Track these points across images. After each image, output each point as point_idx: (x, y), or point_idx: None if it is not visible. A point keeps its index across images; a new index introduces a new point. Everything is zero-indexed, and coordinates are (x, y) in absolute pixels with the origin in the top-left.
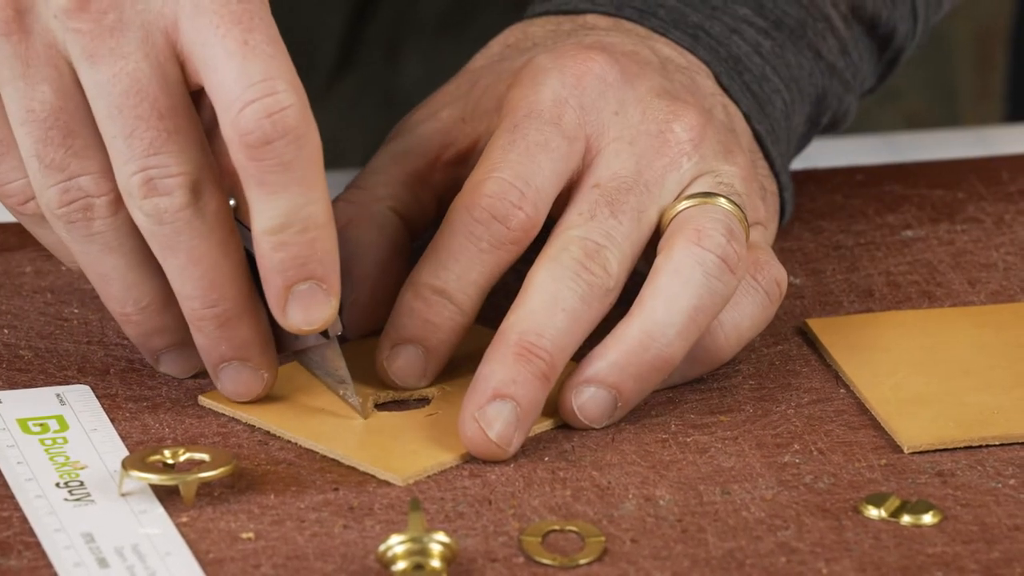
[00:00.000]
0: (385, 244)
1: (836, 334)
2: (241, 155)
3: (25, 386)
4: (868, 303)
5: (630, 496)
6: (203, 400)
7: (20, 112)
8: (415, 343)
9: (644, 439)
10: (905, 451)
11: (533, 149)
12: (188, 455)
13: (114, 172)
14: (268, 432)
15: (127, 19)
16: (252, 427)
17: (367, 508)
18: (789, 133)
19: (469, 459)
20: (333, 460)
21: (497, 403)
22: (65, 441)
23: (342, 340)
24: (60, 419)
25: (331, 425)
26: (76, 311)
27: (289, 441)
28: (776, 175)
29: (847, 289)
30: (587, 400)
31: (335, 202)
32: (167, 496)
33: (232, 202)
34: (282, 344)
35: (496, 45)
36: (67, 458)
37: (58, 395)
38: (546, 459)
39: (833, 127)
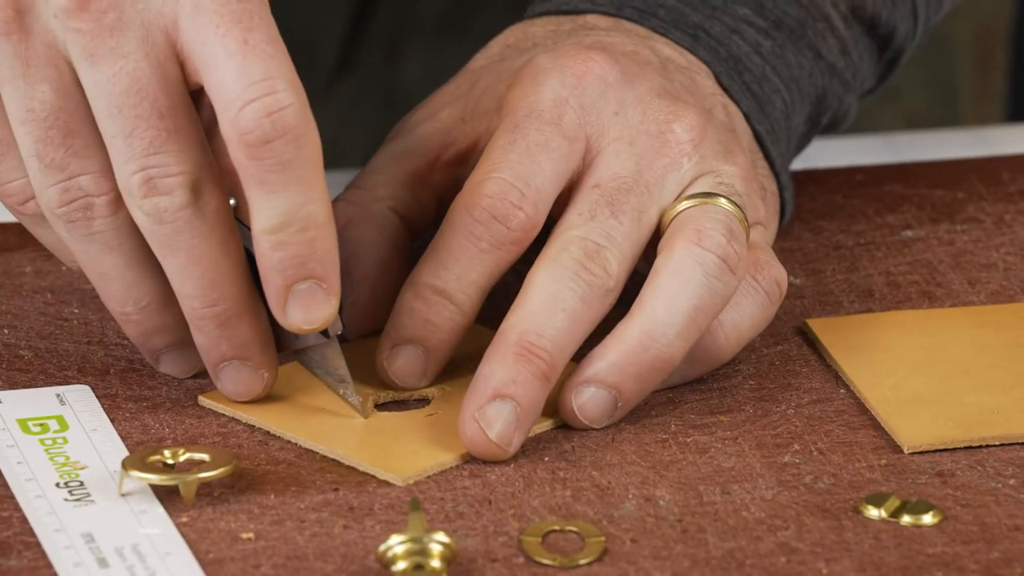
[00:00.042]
0: (385, 244)
1: (836, 334)
2: (241, 154)
3: (25, 386)
4: (868, 303)
5: (630, 496)
6: (203, 400)
7: (20, 112)
8: (415, 343)
9: (644, 439)
10: (905, 451)
11: (533, 149)
12: (188, 455)
13: (114, 171)
14: (268, 432)
15: (127, 18)
16: (252, 427)
17: (367, 508)
18: (789, 133)
19: (469, 459)
20: (333, 460)
21: (497, 403)
22: (65, 441)
23: (342, 340)
24: (60, 419)
25: (331, 425)
26: (76, 311)
27: (289, 441)
28: (776, 175)
29: (847, 289)
30: (587, 400)
31: (335, 202)
32: (167, 496)
33: (232, 201)
34: (282, 343)
35: (496, 45)
36: (67, 458)
37: (58, 395)
38: (546, 459)
39: (833, 127)
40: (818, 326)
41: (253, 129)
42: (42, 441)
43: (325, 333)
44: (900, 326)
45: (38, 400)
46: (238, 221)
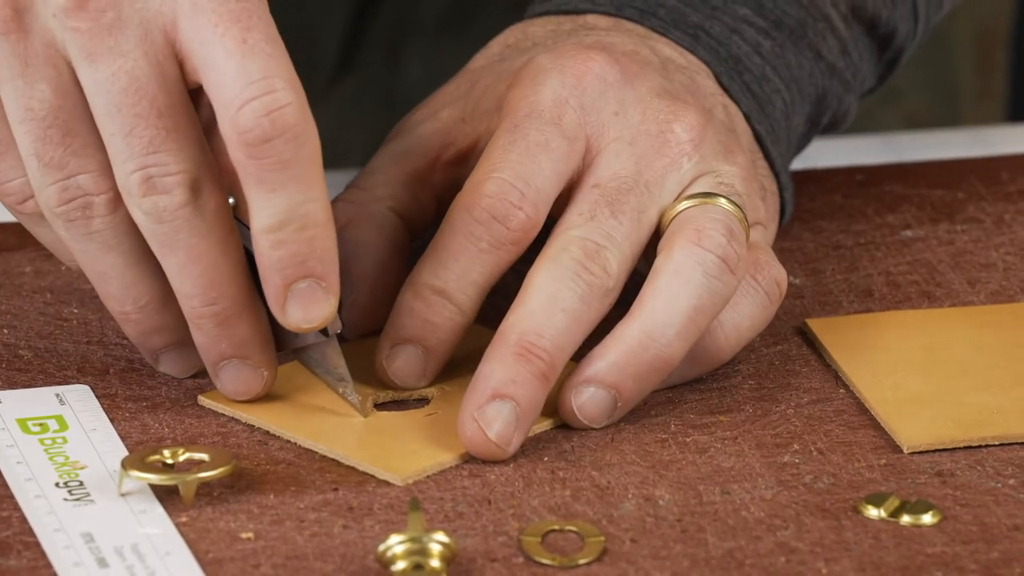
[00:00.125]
0: (385, 244)
1: (836, 334)
2: (240, 153)
3: (25, 386)
4: (868, 303)
5: (630, 496)
6: (202, 400)
7: (19, 111)
8: (414, 343)
9: (644, 439)
10: (905, 451)
11: (533, 149)
12: (187, 455)
13: (113, 170)
14: (267, 432)
15: (125, 17)
16: (252, 427)
17: (367, 508)
18: (789, 133)
19: (468, 459)
20: (333, 460)
21: (496, 403)
22: (65, 441)
23: (341, 340)
24: (60, 419)
25: (331, 425)
26: (76, 311)
27: (288, 441)
28: (776, 175)
29: (847, 289)
30: (587, 400)
31: (335, 202)
32: (167, 496)
33: (231, 200)
34: (281, 342)
35: (496, 45)
36: (67, 458)
37: (58, 395)
38: (546, 459)
39: (833, 127)
40: (818, 326)
41: (252, 128)
42: (41, 441)
43: (324, 332)
44: (900, 326)
45: (38, 400)
46: (237, 220)
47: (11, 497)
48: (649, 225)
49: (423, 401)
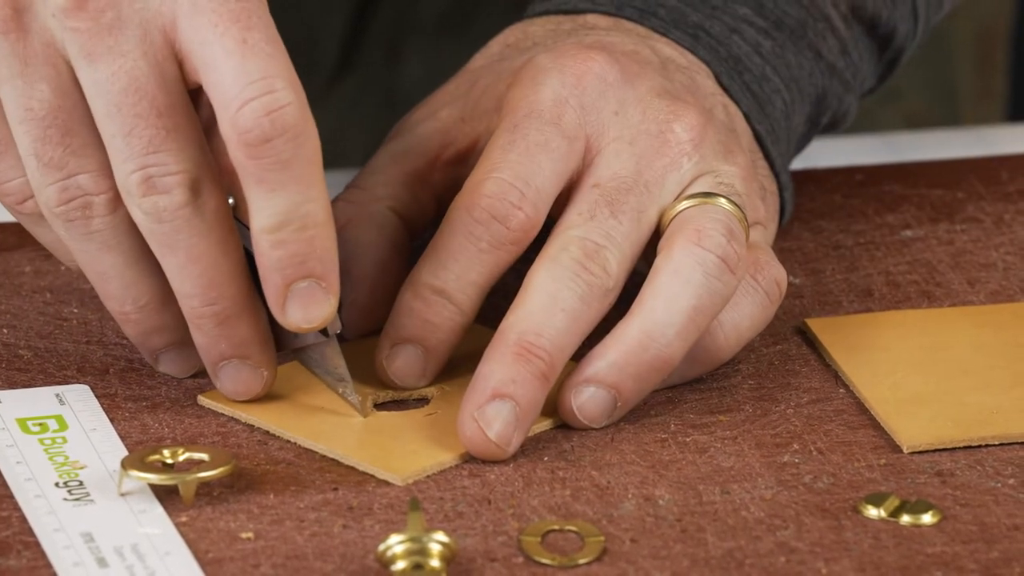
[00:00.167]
0: (384, 244)
1: (835, 334)
2: (240, 153)
3: (24, 386)
4: (867, 303)
5: (629, 496)
6: (202, 400)
7: (18, 111)
8: (414, 343)
9: (643, 439)
10: (904, 451)
11: (533, 149)
12: (187, 455)
13: (113, 170)
14: (267, 432)
15: (125, 17)
16: (251, 427)
17: (366, 508)
18: (789, 133)
19: (468, 459)
20: (332, 460)
21: (496, 403)
22: (64, 441)
23: (341, 340)
24: (59, 419)
25: (330, 424)
26: (75, 311)
27: (288, 441)
28: (776, 175)
29: (846, 289)
30: (586, 400)
31: (334, 202)
32: (166, 496)
33: (230, 201)
34: (281, 342)
35: (496, 45)
36: (66, 458)
37: (57, 395)
38: (545, 459)
39: (833, 127)
40: (817, 326)
41: (252, 128)
42: (41, 441)
43: (324, 332)
44: (899, 326)
45: (37, 400)
46: (236, 220)
47: (11, 497)
48: (649, 225)
49: (423, 401)
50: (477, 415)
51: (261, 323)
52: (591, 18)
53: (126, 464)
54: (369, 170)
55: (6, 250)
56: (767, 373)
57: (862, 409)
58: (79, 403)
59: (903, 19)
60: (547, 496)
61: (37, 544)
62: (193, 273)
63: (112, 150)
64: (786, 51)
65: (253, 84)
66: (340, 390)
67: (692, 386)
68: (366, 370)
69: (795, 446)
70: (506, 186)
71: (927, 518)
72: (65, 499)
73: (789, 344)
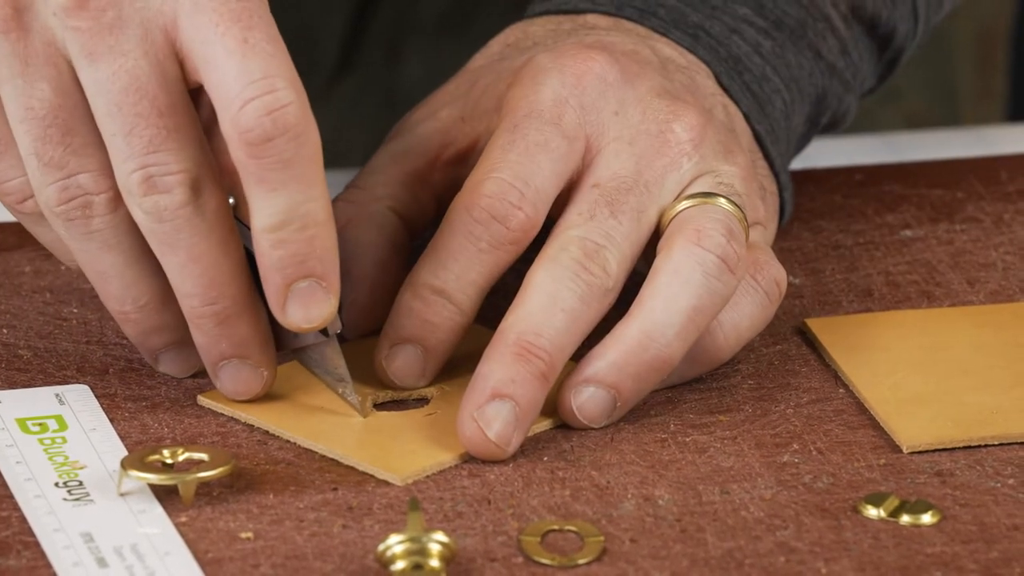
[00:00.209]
0: (384, 244)
1: (835, 334)
2: (241, 153)
3: (24, 386)
4: (867, 303)
5: (629, 496)
6: (202, 400)
7: (19, 110)
8: (414, 343)
9: (643, 439)
10: (904, 451)
11: (533, 149)
12: (187, 455)
13: (113, 170)
14: (267, 432)
15: (126, 16)
16: (251, 427)
17: (366, 508)
18: (789, 133)
19: (468, 459)
20: (332, 460)
21: (496, 403)
22: (64, 441)
23: (341, 340)
24: (59, 419)
25: (330, 424)
26: (75, 311)
27: (288, 440)
28: (776, 175)
29: (846, 289)
30: (586, 400)
31: (334, 202)
32: (166, 496)
33: (231, 200)
34: (281, 342)
35: (496, 44)
36: (66, 458)
37: (57, 395)
38: (545, 459)
39: (833, 127)
40: (817, 326)
41: (254, 127)
42: (41, 441)
43: (324, 332)
44: (899, 326)
45: (37, 400)
46: (237, 220)
47: (11, 497)
48: (649, 225)
49: (422, 401)
50: (477, 415)
51: (261, 323)
52: (591, 18)
53: (126, 464)
54: (369, 170)
55: (6, 250)
56: (767, 373)
57: (862, 409)
58: (79, 403)
59: (903, 19)
60: (547, 496)
61: (37, 544)
62: (194, 272)
63: (113, 149)
64: (786, 51)
65: (254, 83)
66: (340, 390)
67: (692, 386)
68: (366, 370)
69: (795, 446)
70: (506, 186)
71: (927, 518)
72: (65, 499)
73: (789, 344)
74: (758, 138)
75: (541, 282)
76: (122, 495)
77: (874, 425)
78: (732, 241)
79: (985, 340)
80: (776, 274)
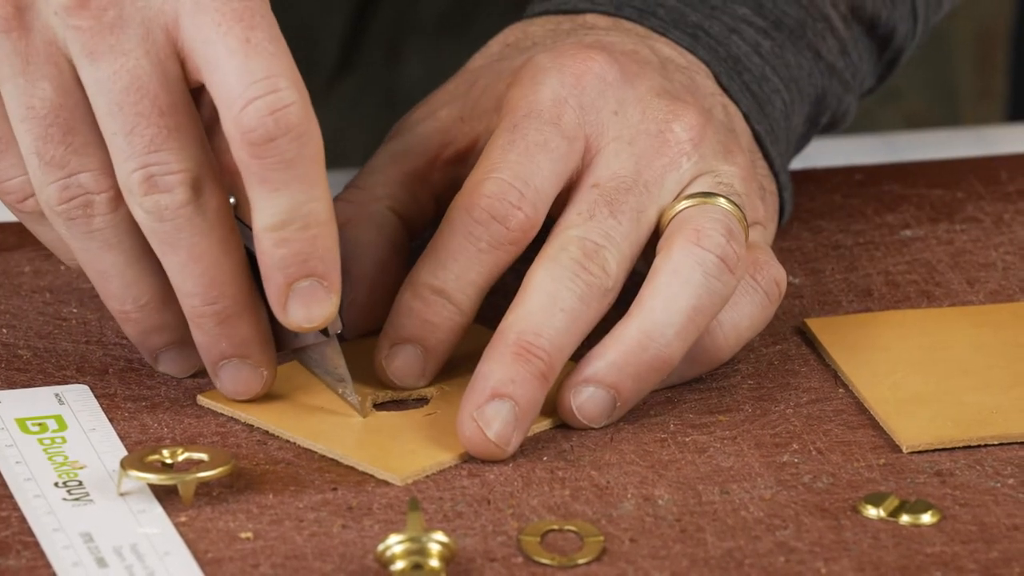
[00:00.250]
0: (384, 244)
1: (835, 334)
2: (243, 152)
3: (24, 386)
4: (867, 303)
5: (629, 496)
6: (202, 400)
7: (20, 109)
8: (414, 343)
9: (643, 439)
10: (904, 451)
11: (532, 149)
12: (187, 455)
13: (114, 169)
14: (267, 431)
15: (127, 16)
16: (251, 427)
17: (366, 508)
18: (788, 133)
19: (468, 459)
20: (332, 460)
21: (496, 403)
22: (64, 441)
23: (341, 340)
24: (59, 419)
25: (330, 424)
26: (75, 311)
27: (288, 440)
28: (775, 175)
29: (846, 289)
30: (586, 400)
31: (334, 202)
32: (166, 496)
33: (231, 200)
34: (281, 342)
35: (495, 44)
36: (66, 458)
37: (57, 395)
38: (545, 459)
39: (832, 127)
40: (817, 326)
41: (256, 127)
42: (41, 441)
43: (325, 332)
44: (899, 326)
45: (37, 399)
46: (238, 219)
47: (10, 497)
48: (648, 225)
49: (422, 401)
50: (476, 415)
51: (262, 323)
52: (590, 18)
53: (125, 464)
54: (368, 170)
55: (6, 250)
56: (767, 373)
57: (861, 409)
58: (78, 403)
59: (903, 19)
60: (546, 496)
61: (36, 544)
62: (194, 272)
63: (113, 149)
64: (785, 51)
65: (256, 83)
66: (340, 390)
67: (692, 386)
68: (366, 370)
69: (794, 446)
70: (505, 186)
71: (926, 518)
72: (64, 499)
73: (789, 344)
74: (758, 138)
75: (541, 282)
76: (122, 495)
77: (874, 425)
78: (732, 241)
79: (985, 340)
80: (776, 274)
